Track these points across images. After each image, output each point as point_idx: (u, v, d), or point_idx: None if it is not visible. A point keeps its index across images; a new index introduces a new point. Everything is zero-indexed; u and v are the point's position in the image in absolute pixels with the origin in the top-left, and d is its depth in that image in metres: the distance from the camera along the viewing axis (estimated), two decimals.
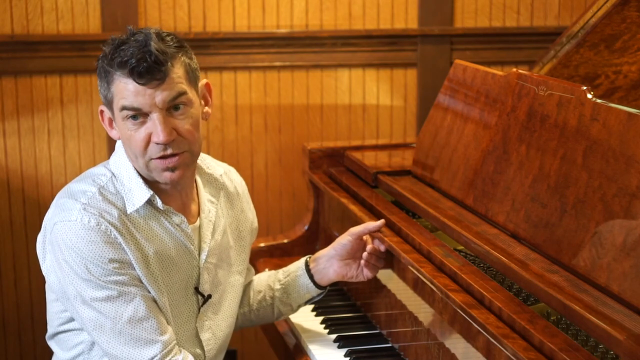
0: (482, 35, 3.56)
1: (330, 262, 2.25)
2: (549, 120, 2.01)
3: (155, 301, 1.96)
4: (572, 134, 1.92)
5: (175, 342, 1.97)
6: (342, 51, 3.50)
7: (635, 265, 1.63)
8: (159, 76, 1.87)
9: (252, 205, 2.31)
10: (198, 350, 2.08)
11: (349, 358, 2.21)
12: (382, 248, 2.21)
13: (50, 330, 2.09)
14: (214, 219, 2.11)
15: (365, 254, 2.22)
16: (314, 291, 2.28)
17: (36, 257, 2.04)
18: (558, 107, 1.99)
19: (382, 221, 2.21)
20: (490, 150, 2.20)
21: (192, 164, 2.00)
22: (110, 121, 1.98)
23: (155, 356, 1.92)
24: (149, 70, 1.85)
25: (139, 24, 3.35)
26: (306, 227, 2.89)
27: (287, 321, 2.46)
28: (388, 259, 2.24)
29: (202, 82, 2.03)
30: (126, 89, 1.88)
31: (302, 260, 2.31)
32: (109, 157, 2.06)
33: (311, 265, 2.28)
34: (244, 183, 2.30)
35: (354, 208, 2.47)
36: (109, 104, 1.94)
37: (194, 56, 1.99)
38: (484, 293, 1.80)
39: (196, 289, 2.07)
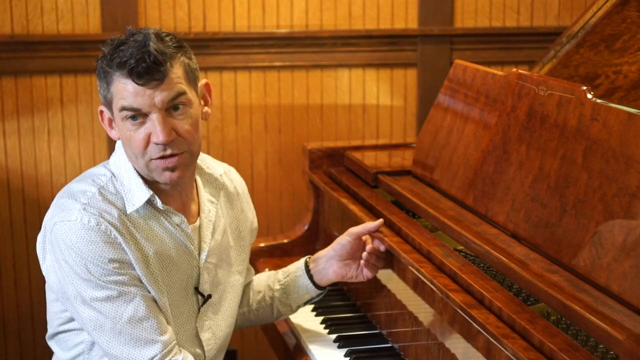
0: (482, 35, 3.56)
1: (329, 263, 2.25)
2: (549, 120, 2.01)
3: (155, 301, 1.96)
4: (572, 134, 1.92)
5: (175, 342, 1.97)
6: (342, 51, 3.50)
7: (635, 265, 1.63)
8: (158, 76, 1.87)
9: (252, 205, 2.31)
10: (198, 350, 2.08)
11: (349, 358, 2.21)
12: (382, 248, 2.21)
13: (50, 330, 2.09)
14: (214, 219, 2.11)
15: (364, 254, 2.22)
16: (313, 292, 2.28)
17: (36, 257, 2.04)
18: (558, 107, 1.99)
19: (380, 221, 2.21)
20: (490, 150, 2.20)
21: (191, 164, 2.00)
22: (110, 121, 1.98)
23: (155, 356, 1.92)
24: (148, 70, 1.85)
25: (139, 24, 3.35)
26: (306, 227, 2.89)
27: (287, 321, 2.46)
28: (388, 259, 2.24)
29: (202, 82, 2.03)
30: (125, 90, 1.88)
31: (302, 260, 2.30)
32: (109, 157, 2.06)
33: (311, 266, 2.28)
34: (244, 183, 2.30)
35: (354, 208, 2.47)
36: (109, 104, 1.94)
37: (193, 56, 1.99)
38: (484, 293, 1.80)
39: (196, 289, 2.07)
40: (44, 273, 2.01)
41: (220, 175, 2.18)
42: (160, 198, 1.98)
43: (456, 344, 1.88)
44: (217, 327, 2.13)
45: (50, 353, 2.14)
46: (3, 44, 3.31)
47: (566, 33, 2.50)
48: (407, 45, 3.54)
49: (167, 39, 1.92)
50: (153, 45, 1.86)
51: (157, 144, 1.90)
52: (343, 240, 2.23)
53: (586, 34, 2.43)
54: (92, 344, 2.01)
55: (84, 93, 3.40)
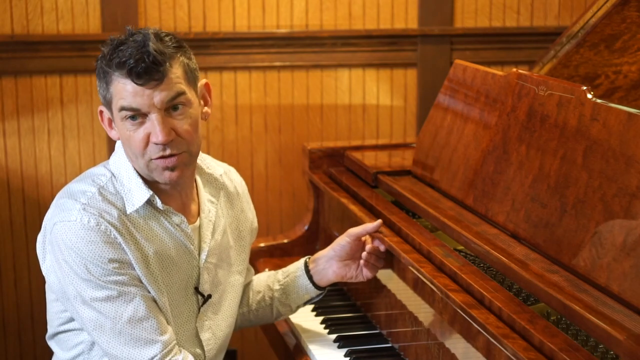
0: (482, 35, 3.56)
1: (329, 263, 2.25)
2: (549, 120, 2.01)
3: (155, 301, 1.96)
4: (572, 134, 1.92)
5: (175, 342, 1.97)
6: (342, 51, 3.50)
7: (635, 265, 1.63)
8: (157, 76, 1.87)
9: (252, 205, 2.31)
10: (198, 350, 2.08)
11: (349, 358, 2.21)
12: (382, 248, 2.20)
13: (50, 330, 2.09)
14: (214, 219, 2.11)
15: (364, 254, 2.22)
16: (313, 292, 2.28)
17: (36, 257, 2.04)
18: (558, 107, 1.99)
19: (379, 221, 2.21)
20: (490, 150, 2.20)
21: (190, 164, 2.00)
22: (110, 121, 1.98)
23: (155, 356, 1.92)
24: (147, 70, 1.85)
25: (139, 24, 3.35)
26: (306, 227, 2.89)
27: (287, 321, 2.46)
28: (388, 259, 2.24)
29: (202, 82, 2.03)
30: (125, 90, 1.88)
31: (302, 261, 2.30)
32: (109, 157, 2.06)
33: (310, 266, 2.28)
34: (244, 183, 2.30)
35: (354, 208, 2.47)
36: (108, 104, 1.94)
37: (193, 56, 1.99)
38: (484, 293, 1.80)
39: (196, 289, 2.07)
40: (44, 273, 2.01)
41: (220, 175, 2.18)
42: (160, 198, 1.98)
43: (456, 344, 1.88)
44: (217, 327, 2.13)
45: (50, 353, 2.14)
46: (3, 44, 3.31)
47: (566, 33, 2.50)
48: (407, 45, 3.54)
49: (167, 39, 1.92)
50: (152, 45, 1.86)
51: (156, 144, 1.90)
52: (342, 241, 2.23)
53: (586, 34, 2.43)
54: (92, 344, 2.01)
55: (84, 93, 3.40)
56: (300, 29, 3.47)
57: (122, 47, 1.88)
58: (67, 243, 1.90)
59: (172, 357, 1.94)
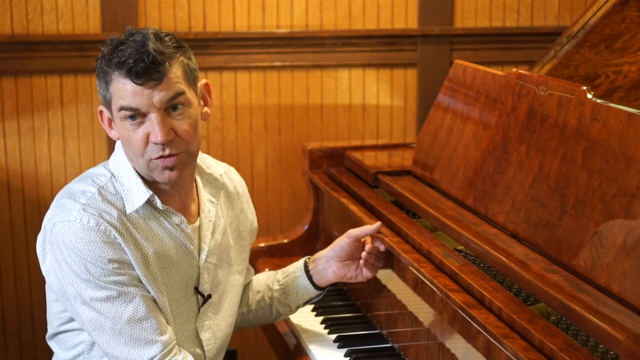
0: (482, 35, 3.56)
1: (329, 264, 2.25)
2: (549, 120, 2.01)
3: (155, 301, 1.96)
4: (572, 134, 1.92)
5: (175, 342, 1.97)
6: (342, 51, 3.50)
7: (635, 265, 1.63)
8: (156, 76, 1.87)
9: (252, 205, 2.31)
10: (198, 350, 2.08)
11: (349, 358, 2.21)
12: (382, 248, 2.20)
13: (50, 330, 2.09)
14: (214, 219, 2.11)
15: (364, 254, 2.22)
16: (312, 292, 2.28)
17: (36, 257, 2.04)
18: (558, 107, 1.99)
19: (379, 223, 2.20)
20: (490, 150, 2.20)
21: (190, 164, 2.00)
22: (110, 121, 1.98)
23: (155, 356, 1.92)
24: (147, 70, 1.85)
25: (138, 24, 3.35)
26: (306, 227, 2.89)
27: (287, 321, 2.46)
28: (388, 259, 2.24)
29: (202, 82, 2.03)
30: (124, 89, 1.88)
31: (301, 261, 2.30)
32: (109, 157, 2.06)
33: (310, 267, 2.28)
34: (243, 183, 2.30)
35: (354, 208, 2.47)
36: (108, 104, 1.94)
37: (192, 56, 1.99)
38: (484, 293, 1.80)
39: (196, 289, 2.07)
40: (43, 273, 2.01)
41: (220, 175, 2.18)
42: (160, 198, 1.98)
43: (456, 344, 1.88)
44: (217, 327, 2.13)
45: (50, 353, 2.14)
46: (3, 44, 3.31)
47: (566, 33, 2.50)
48: (407, 45, 3.54)
49: (166, 39, 1.92)
50: (152, 45, 1.86)
51: (155, 143, 1.90)
52: (342, 242, 2.22)
53: (586, 34, 2.43)
54: (92, 344, 2.01)
55: (84, 93, 3.40)
56: (300, 29, 3.47)
57: (121, 47, 1.88)
58: (66, 243, 1.90)
59: (172, 357, 1.94)
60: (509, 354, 1.64)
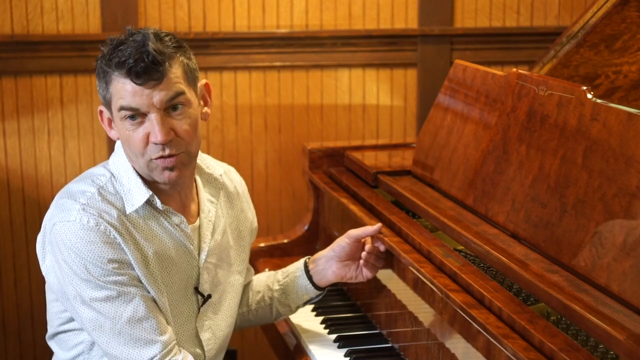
0: (482, 35, 3.56)
1: (329, 264, 2.25)
2: (549, 120, 2.01)
3: (154, 301, 1.96)
4: (572, 134, 1.92)
5: (175, 342, 1.97)
6: (342, 51, 3.50)
7: (635, 265, 1.63)
8: (156, 76, 1.87)
9: (252, 205, 2.31)
10: (198, 350, 2.08)
11: (349, 358, 2.21)
12: (382, 248, 2.20)
13: (50, 330, 2.09)
14: (214, 219, 2.11)
15: (363, 254, 2.22)
16: (312, 292, 2.28)
17: (36, 257, 2.04)
18: (558, 107, 1.99)
19: (379, 225, 2.20)
20: (490, 150, 2.20)
21: (189, 164, 2.00)
22: (110, 121, 1.98)
23: (154, 356, 1.92)
24: (147, 70, 1.85)
25: (138, 24, 3.35)
26: (306, 227, 2.89)
27: (287, 321, 2.46)
28: (388, 259, 2.24)
29: (201, 82, 2.03)
30: (124, 89, 1.88)
31: (301, 261, 2.30)
32: (109, 157, 2.06)
33: (310, 267, 2.28)
34: (243, 183, 2.30)
35: (354, 208, 2.47)
36: (108, 104, 1.94)
37: (192, 56, 1.99)
38: (484, 293, 1.80)
39: (196, 289, 2.07)
40: (43, 273, 2.01)
41: (220, 175, 2.18)
42: (159, 198, 1.98)
43: (456, 344, 1.88)
44: (217, 327, 2.13)
45: (50, 353, 2.14)
46: (3, 44, 3.31)
47: (566, 33, 2.50)
48: (407, 45, 3.54)
49: (166, 39, 1.92)
50: (152, 45, 1.86)
51: (155, 143, 1.90)
52: (342, 242, 2.22)
53: (586, 34, 2.43)
54: (92, 344, 2.01)
55: (84, 93, 3.40)
56: (300, 29, 3.47)
57: (121, 47, 1.88)
58: (66, 243, 1.90)
59: (172, 357, 1.94)
60: (509, 354, 1.64)
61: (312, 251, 2.72)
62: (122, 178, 1.98)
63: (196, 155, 2.02)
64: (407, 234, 2.17)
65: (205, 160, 2.18)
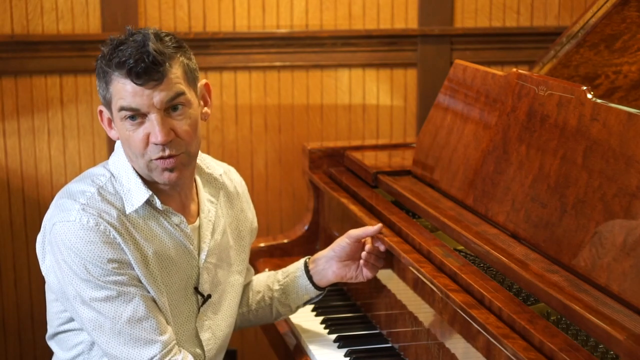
0: (482, 35, 3.56)
1: (329, 264, 2.25)
2: (549, 120, 2.01)
3: (154, 301, 1.96)
4: (572, 134, 1.92)
5: (174, 342, 1.97)
6: (342, 51, 3.50)
7: (635, 265, 1.63)
8: (156, 77, 1.87)
9: (252, 205, 2.31)
10: (198, 350, 2.08)
11: (349, 358, 2.21)
12: (382, 248, 2.20)
13: (50, 330, 2.09)
14: (214, 219, 2.11)
15: (363, 254, 2.22)
16: (312, 292, 2.28)
17: (36, 257, 2.04)
18: (558, 107, 1.99)
19: (380, 225, 2.20)
20: (490, 150, 2.20)
21: (189, 165, 2.00)
22: (110, 121, 1.98)
23: (154, 356, 1.92)
24: (147, 70, 1.85)
25: (139, 24, 3.35)
26: (306, 227, 2.89)
27: (287, 321, 2.46)
28: (388, 259, 2.24)
29: (202, 82, 2.03)
30: (124, 90, 1.88)
31: (302, 261, 2.30)
32: (109, 157, 2.06)
33: (310, 267, 2.28)
34: (243, 183, 2.30)
35: (354, 208, 2.47)
36: (108, 104, 1.94)
37: (192, 56, 1.99)
38: (484, 293, 1.80)
39: (196, 288, 2.07)
40: (43, 273, 2.01)
41: (220, 175, 2.18)
42: (159, 198, 1.98)
43: (456, 344, 1.88)
44: (217, 327, 2.13)
45: (50, 353, 2.14)
46: (3, 44, 3.31)
47: (566, 33, 2.50)
48: (407, 45, 3.54)
49: (167, 39, 1.92)
50: (152, 45, 1.86)
51: (155, 144, 1.90)
52: (342, 242, 2.22)
53: (586, 34, 2.43)
54: (92, 344, 2.01)
55: (84, 93, 3.40)
56: (300, 29, 3.47)
57: (121, 47, 1.88)
58: (66, 243, 1.90)
59: (172, 357, 1.94)
60: (509, 354, 1.64)
61: (312, 251, 2.72)
62: (121, 178, 1.98)
63: (196, 155, 2.02)
64: (407, 234, 2.17)
65: (205, 160, 2.18)
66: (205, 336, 2.09)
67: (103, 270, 1.89)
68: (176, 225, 2.01)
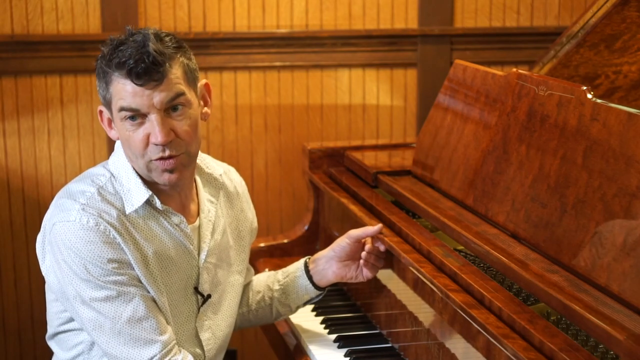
0: (482, 35, 3.56)
1: (329, 264, 2.25)
2: (549, 120, 2.01)
3: (154, 301, 1.96)
4: (572, 134, 1.92)
5: (174, 342, 1.97)
6: (342, 51, 3.50)
7: (635, 265, 1.63)
8: (156, 77, 1.87)
9: (251, 205, 2.31)
10: (198, 350, 2.08)
11: (349, 358, 2.21)
12: (382, 248, 2.20)
13: (50, 330, 2.09)
14: (214, 219, 2.11)
15: (363, 254, 2.22)
16: (312, 292, 2.28)
17: (36, 257, 2.04)
18: (558, 107, 1.99)
19: (380, 226, 2.20)
20: (490, 150, 2.20)
21: (190, 165, 2.00)
22: (110, 121, 1.98)
23: (154, 356, 1.92)
24: (147, 71, 1.85)
25: (139, 24, 3.35)
26: (306, 227, 2.89)
27: (287, 321, 2.46)
28: (388, 259, 2.24)
29: (201, 82, 2.03)
30: (124, 90, 1.88)
31: (302, 261, 2.30)
32: (109, 157, 2.06)
33: (310, 267, 2.28)
34: (243, 183, 2.30)
35: (354, 208, 2.47)
36: (108, 104, 1.94)
37: (192, 57, 1.99)
38: (484, 293, 1.80)
39: (196, 288, 2.07)
40: (43, 273, 2.01)
41: (220, 175, 2.18)
42: (159, 198, 1.98)
43: (456, 344, 1.88)
44: (217, 327, 2.13)
45: (50, 353, 2.14)
46: (3, 44, 3.31)
47: (566, 33, 2.50)
48: (407, 45, 3.54)
49: (167, 39, 1.92)
50: (152, 45, 1.86)
51: (155, 144, 1.90)
52: (342, 242, 2.22)
53: (586, 34, 2.43)
54: (92, 344, 2.01)
55: (84, 93, 3.40)
56: (300, 29, 3.47)
57: (121, 47, 1.88)
58: (66, 243, 1.90)
59: (172, 357, 1.94)
60: (509, 354, 1.64)
61: (312, 251, 2.72)
62: (121, 178, 1.98)
63: (196, 155, 2.02)
64: (407, 234, 2.17)
65: (205, 160, 2.18)
66: (205, 336, 2.09)
67: (103, 270, 1.89)
68: (176, 225, 2.01)
